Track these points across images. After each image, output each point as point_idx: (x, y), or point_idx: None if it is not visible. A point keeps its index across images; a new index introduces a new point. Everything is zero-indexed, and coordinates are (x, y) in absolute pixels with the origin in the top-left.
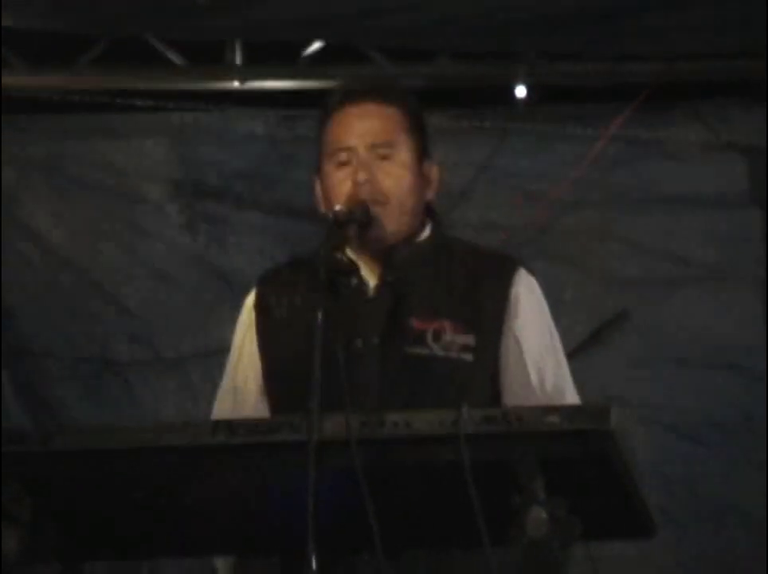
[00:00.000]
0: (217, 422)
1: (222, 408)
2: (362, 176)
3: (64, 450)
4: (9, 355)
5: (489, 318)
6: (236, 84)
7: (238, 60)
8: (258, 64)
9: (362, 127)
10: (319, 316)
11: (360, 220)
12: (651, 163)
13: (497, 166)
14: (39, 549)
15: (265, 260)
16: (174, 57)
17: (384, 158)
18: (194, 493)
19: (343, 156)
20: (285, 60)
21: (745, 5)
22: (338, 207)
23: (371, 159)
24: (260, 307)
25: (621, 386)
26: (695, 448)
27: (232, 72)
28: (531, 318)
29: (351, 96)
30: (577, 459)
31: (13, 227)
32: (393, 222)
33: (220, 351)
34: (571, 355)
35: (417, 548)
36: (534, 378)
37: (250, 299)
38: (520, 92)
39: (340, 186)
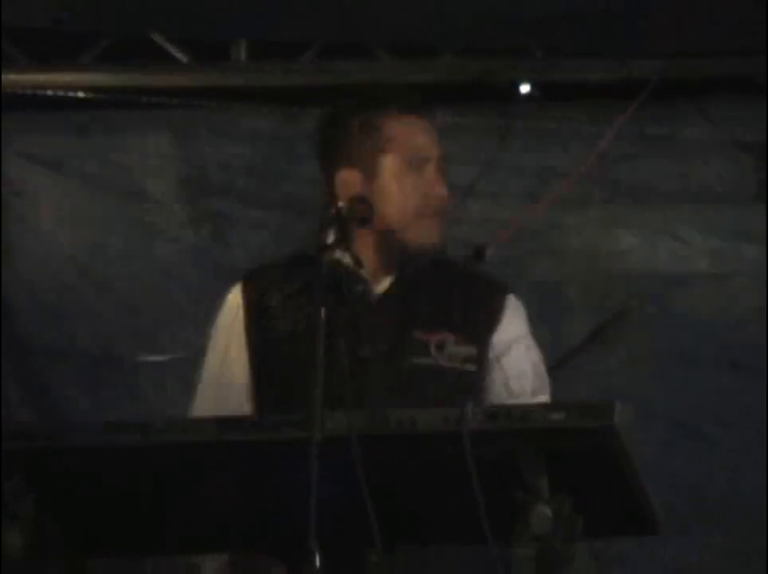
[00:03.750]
0: (221, 419)
1: (202, 411)
2: (444, 190)
3: (67, 447)
4: (12, 352)
5: (483, 331)
6: (240, 80)
7: (243, 56)
8: (263, 60)
9: (433, 139)
10: (323, 313)
11: (362, 218)
12: (655, 160)
13: (501, 163)
14: (41, 546)
15: (269, 257)
16: (179, 54)
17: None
18: (197, 489)
19: (417, 164)
20: (290, 57)
21: (747, 3)
22: (340, 204)
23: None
24: (249, 307)
25: (623, 382)
26: (697, 445)
27: (236, 69)
28: (517, 335)
29: (411, 105)
30: (581, 456)
31: (16, 224)
32: (442, 233)
33: None
34: (574, 352)
35: (421, 545)
36: (514, 387)
37: (235, 298)
38: (524, 88)
39: (413, 191)
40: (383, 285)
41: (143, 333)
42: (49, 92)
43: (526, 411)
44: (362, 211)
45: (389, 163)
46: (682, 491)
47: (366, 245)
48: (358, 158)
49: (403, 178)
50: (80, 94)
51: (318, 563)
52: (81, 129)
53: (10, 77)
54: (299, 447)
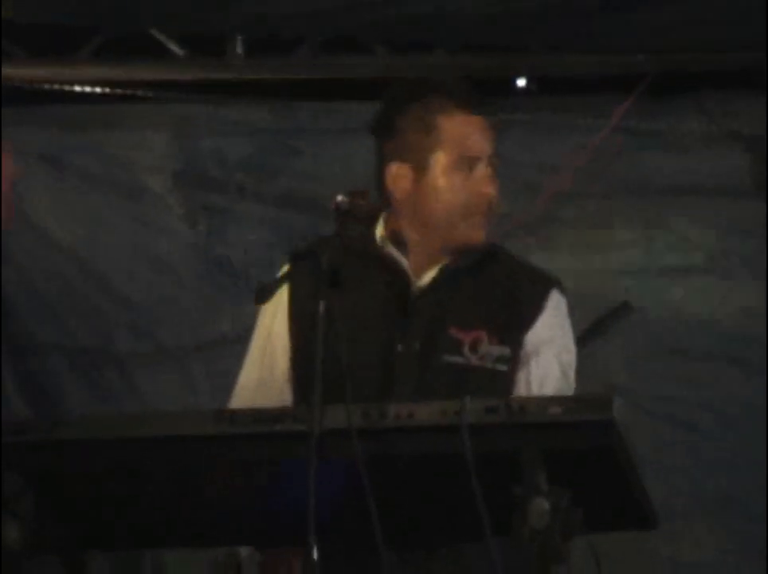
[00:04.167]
0: (219, 412)
1: (244, 394)
2: (493, 190)
3: (66, 441)
4: (10, 347)
5: (519, 330)
6: (236, 74)
7: (239, 51)
8: (258, 55)
9: (487, 138)
10: (322, 306)
11: (362, 213)
12: (652, 154)
13: (498, 157)
14: (41, 541)
15: (266, 251)
16: (175, 48)
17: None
18: (195, 482)
19: (468, 163)
20: (286, 51)
21: None
22: (339, 198)
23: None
24: (294, 287)
25: (621, 377)
26: (695, 439)
27: (232, 63)
28: (549, 336)
29: (468, 101)
30: (580, 450)
31: (13, 218)
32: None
33: (220, 343)
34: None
35: (420, 538)
36: (534, 388)
37: (283, 275)
38: (521, 82)
39: (462, 189)
40: (425, 280)
41: (141, 328)
42: (47, 87)
43: (524, 405)
44: (362, 206)
45: (439, 160)
46: (681, 488)
47: (411, 240)
48: (410, 153)
49: (453, 176)
50: (78, 89)
51: (315, 556)
52: (79, 124)
53: (8, 71)
54: (299, 441)
